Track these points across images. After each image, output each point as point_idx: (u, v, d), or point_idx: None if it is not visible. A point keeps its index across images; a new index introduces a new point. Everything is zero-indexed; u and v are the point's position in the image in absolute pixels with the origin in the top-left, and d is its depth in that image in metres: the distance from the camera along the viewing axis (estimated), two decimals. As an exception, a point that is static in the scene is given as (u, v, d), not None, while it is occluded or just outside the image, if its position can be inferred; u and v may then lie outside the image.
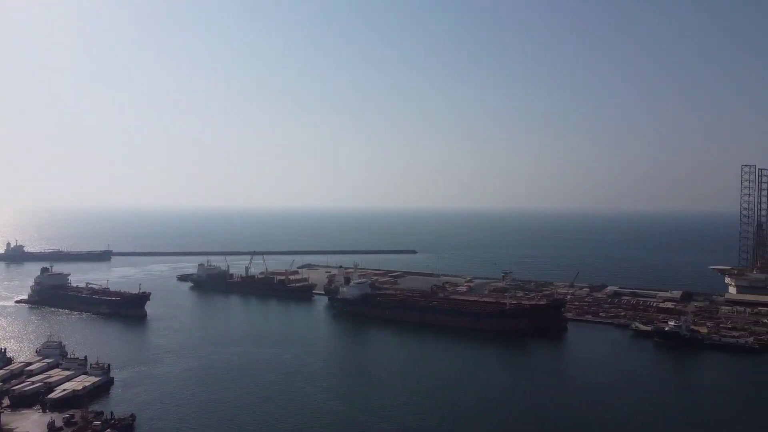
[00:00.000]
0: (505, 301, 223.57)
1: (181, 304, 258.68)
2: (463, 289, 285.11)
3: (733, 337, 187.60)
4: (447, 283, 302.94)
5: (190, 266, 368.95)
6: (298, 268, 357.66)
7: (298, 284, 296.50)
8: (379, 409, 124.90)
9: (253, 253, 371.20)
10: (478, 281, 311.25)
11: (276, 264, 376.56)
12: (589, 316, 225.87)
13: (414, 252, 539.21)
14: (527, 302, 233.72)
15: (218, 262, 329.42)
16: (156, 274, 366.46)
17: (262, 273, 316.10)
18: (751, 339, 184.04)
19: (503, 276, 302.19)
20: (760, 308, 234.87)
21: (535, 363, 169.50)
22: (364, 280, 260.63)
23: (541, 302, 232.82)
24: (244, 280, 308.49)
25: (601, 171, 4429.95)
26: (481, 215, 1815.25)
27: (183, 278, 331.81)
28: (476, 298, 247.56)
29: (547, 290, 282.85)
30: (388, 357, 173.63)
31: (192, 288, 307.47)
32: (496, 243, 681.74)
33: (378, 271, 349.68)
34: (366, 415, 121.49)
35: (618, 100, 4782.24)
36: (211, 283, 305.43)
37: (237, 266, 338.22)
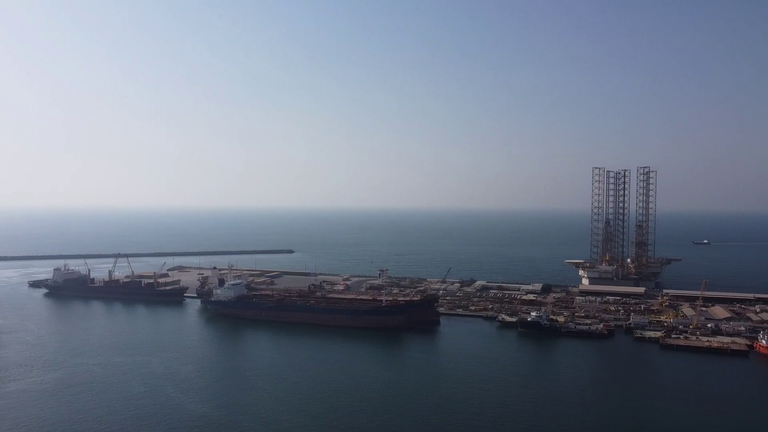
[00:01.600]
0: (382, 298, 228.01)
1: (34, 313, 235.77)
2: (341, 287, 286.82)
3: (586, 324, 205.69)
4: (324, 281, 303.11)
5: (43, 271, 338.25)
6: (168, 270, 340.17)
7: (168, 287, 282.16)
8: (256, 414, 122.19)
9: (118, 256, 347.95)
10: (355, 279, 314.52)
11: (144, 267, 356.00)
12: (460, 310, 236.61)
13: (291, 252, 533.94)
14: (402, 298, 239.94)
15: (77, 266, 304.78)
16: (2, 281, 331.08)
17: (128, 276, 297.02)
18: (600, 325, 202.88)
19: (379, 273, 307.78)
20: (608, 297, 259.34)
21: (411, 357, 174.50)
22: (239, 281, 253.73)
23: (416, 298, 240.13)
24: (107, 284, 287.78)
25: (494, 172, 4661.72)
26: (359, 214, 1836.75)
27: (35, 284, 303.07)
28: (353, 296, 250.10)
29: (422, 286, 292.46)
30: (265, 359, 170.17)
31: (47, 295, 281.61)
32: (373, 241, 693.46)
33: (254, 272, 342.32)
34: (244, 421, 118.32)
35: (509, 106, 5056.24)
36: (68, 289, 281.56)
37: (99, 270, 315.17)
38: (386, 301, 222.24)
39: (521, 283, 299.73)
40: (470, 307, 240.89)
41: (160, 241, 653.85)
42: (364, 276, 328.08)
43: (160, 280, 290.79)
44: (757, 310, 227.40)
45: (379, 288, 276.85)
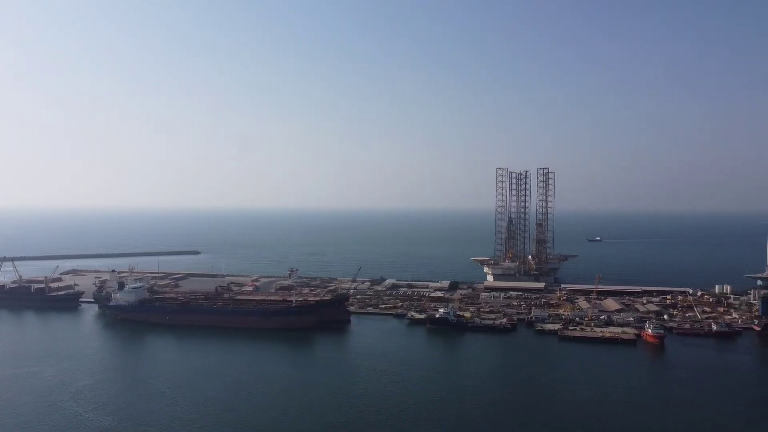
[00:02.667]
0: (292, 298, 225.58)
1: None
2: (249, 288, 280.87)
3: (491, 319, 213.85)
4: (232, 283, 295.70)
5: None
6: (61, 274, 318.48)
7: (61, 292, 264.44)
8: (160, 422, 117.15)
9: (3, 259, 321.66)
10: (264, 280, 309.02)
11: (33, 271, 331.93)
12: (371, 308, 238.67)
13: (197, 253, 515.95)
14: (313, 298, 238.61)
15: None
16: None
17: (14, 282, 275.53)
18: (504, 320, 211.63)
19: (289, 273, 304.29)
20: (511, 293, 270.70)
21: (321, 356, 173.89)
22: (140, 284, 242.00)
23: (326, 297, 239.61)
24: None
25: (417, 172, 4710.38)
26: (268, 215, 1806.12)
27: None
28: (262, 297, 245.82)
29: (332, 285, 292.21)
30: (170, 365, 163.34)
31: None
32: (282, 241, 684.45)
33: (157, 274, 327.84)
34: (147, 430, 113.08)
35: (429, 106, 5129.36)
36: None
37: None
38: (296, 301, 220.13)
39: (430, 281, 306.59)
40: (380, 306, 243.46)
41: (53, 243, 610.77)
42: (274, 277, 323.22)
43: (52, 285, 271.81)
44: (644, 302, 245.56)
45: (289, 288, 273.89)
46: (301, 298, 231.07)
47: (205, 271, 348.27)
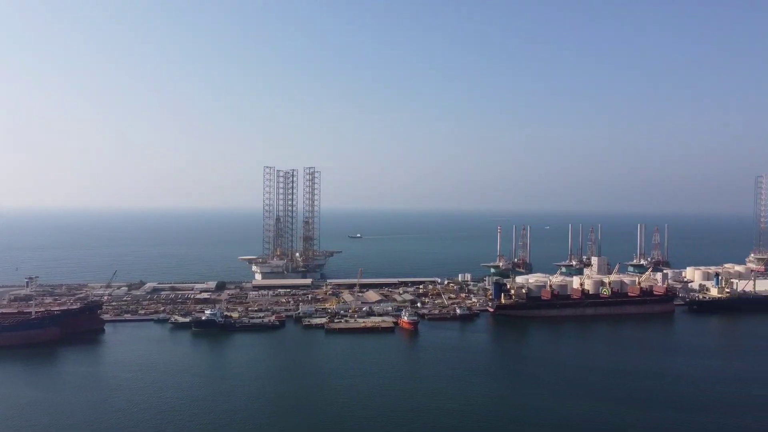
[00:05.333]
0: (30, 309, 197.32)
1: None
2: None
3: (259, 317, 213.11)
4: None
5: None
6: None
7: None
8: None
9: None
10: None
11: None
12: (128, 315, 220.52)
13: None
14: (57, 308, 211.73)
15: None
16: None
17: None
18: (273, 317, 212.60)
19: (27, 282, 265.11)
20: (279, 290, 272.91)
21: (69, 372, 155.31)
22: None
23: (74, 306, 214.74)
24: None
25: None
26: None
27: None
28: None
29: (81, 293, 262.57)
30: None
31: None
32: (14, 245, 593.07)
33: None
34: None
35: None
36: None
37: None
38: (36, 312, 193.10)
39: (195, 282, 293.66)
40: (139, 311, 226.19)
41: None
42: (7, 286, 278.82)
43: None
44: (401, 292, 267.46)
45: (26, 299, 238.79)
46: (43, 309, 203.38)
47: None
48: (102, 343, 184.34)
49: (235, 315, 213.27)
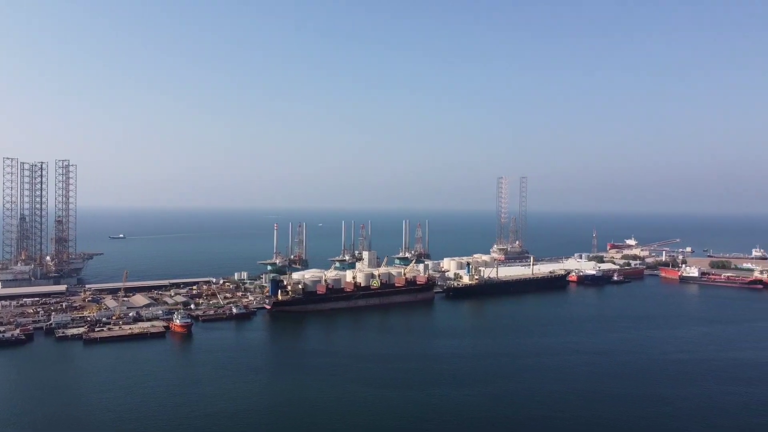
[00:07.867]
0: None
1: None
2: None
3: (1, 332, 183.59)
4: None
5: None
6: None
7: None
8: None
9: None
10: None
11: None
12: None
13: None
14: None
15: None
16: None
17: None
18: (17, 331, 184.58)
19: None
20: (25, 299, 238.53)
21: None
22: None
23: None
24: None
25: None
26: None
27: None
28: None
29: None
30: None
31: None
32: None
33: None
34: None
35: None
36: None
37: None
38: None
39: None
40: None
41: None
42: None
43: None
44: (172, 294, 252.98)
45: None
46: None
47: None
48: None
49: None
